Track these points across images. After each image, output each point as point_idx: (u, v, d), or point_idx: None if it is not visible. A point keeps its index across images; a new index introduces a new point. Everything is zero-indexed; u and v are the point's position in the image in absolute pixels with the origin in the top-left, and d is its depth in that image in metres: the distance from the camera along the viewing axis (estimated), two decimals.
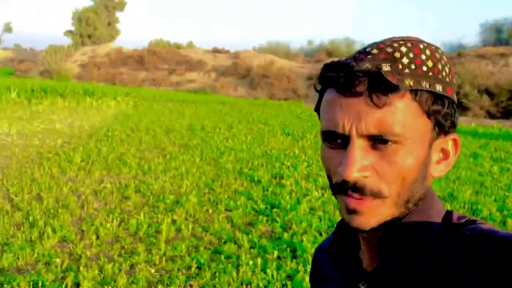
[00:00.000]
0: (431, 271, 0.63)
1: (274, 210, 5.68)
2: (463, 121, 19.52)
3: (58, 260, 4.00)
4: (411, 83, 0.62)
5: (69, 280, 3.54)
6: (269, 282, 3.78)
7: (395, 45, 0.64)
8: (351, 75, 0.62)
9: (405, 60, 0.63)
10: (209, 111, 19.55)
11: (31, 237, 4.49)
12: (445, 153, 0.69)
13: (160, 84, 35.71)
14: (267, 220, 5.37)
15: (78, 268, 3.87)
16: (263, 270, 3.97)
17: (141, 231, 4.82)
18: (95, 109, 18.25)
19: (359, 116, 0.62)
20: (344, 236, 0.78)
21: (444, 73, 0.65)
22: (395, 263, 0.67)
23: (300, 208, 5.69)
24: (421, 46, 0.65)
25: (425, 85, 0.63)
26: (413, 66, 0.63)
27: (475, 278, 0.57)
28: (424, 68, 0.64)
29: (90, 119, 14.88)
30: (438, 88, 0.64)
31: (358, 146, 0.63)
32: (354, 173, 0.62)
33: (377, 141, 0.62)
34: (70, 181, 6.71)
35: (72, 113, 16.21)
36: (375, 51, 0.64)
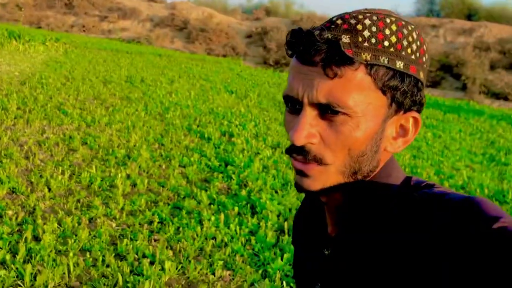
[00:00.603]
0: (387, 236, 0.65)
1: (229, 167, 5.71)
2: None
3: (10, 212, 3.80)
4: (368, 57, 0.61)
5: (28, 234, 3.38)
6: (232, 237, 3.85)
7: (360, 17, 0.63)
8: (311, 44, 0.62)
9: (366, 33, 0.62)
10: (146, 63, 18.89)
11: None
12: (404, 129, 0.69)
13: (90, 31, 33.82)
14: (222, 177, 5.39)
15: (34, 221, 3.70)
16: (226, 226, 4.02)
17: (95, 185, 4.66)
18: (22, 53, 16.98)
19: (311, 84, 0.63)
20: (311, 202, 0.80)
21: (409, 50, 0.64)
22: (355, 229, 0.70)
23: (254, 166, 5.76)
24: (388, 20, 0.64)
25: (383, 60, 0.62)
26: (373, 40, 0.62)
27: (426, 242, 0.59)
28: (386, 43, 0.62)
29: (18, 64, 13.85)
30: (399, 64, 0.63)
31: (309, 113, 0.64)
32: (301, 139, 0.64)
33: (327, 111, 0.63)
34: (8, 130, 6.29)
35: None
36: (339, 21, 0.64)
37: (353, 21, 0.63)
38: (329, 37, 0.61)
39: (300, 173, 0.67)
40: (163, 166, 5.60)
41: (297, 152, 0.66)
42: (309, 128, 0.64)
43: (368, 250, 0.66)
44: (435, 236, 0.58)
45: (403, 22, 0.65)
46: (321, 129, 0.64)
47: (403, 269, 0.61)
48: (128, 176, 5.03)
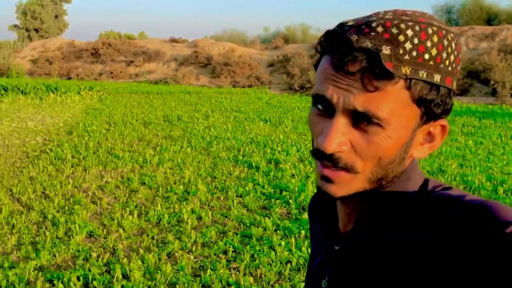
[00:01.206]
0: (399, 234, 0.65)
1: (284, 193, 5.88)
2: None
3: (94, 254, 4.04)
4: (408, 71, 0.60)
5: (118, 273, 3.60)
6: (305, 260, 3.98)
7: (402, 26, 0.60)
8: (348, 51, 0.60)
9: (407, 46, 0.60)
10: (178, 101, 19.43)
11: (57, 235, 4.48)
12: (431, 136, 0.68)
13: (118, 77, 34.94)
14: (280, 203, 5.55)
15: (118, 260, 3.93)
16: (298, 249, 4.16)
17: (164, 221, 4.89)
18: (60, 104, 17.75)
19: (349, 93, 0.61)
20: (324, 197, 0.78)
21: (447, 62, 0.62)
22: (368, 228, 0.70)
23: (308, 190, 5.91)
24: (430, 31, 0.61)
25: (422, 74, 0.60)
26: (414, 53, 0.60)
27: (437, 238, 0.60)
28: (426, 56, 0.60)
29: (59, 115, 14.50)
30: (436, 78, 0.62)
31: (342, 121, 0.63)
32: (332, 147, 0.63)
33: (361, 120, 0.62)
34: (70, 178, 6.64)
35: (38, 110, 15.71)
36: (380, 29, 0.60)
37: (395, 31, 0.60)
38: (369, 46, 0.59)
39: (326, 179, 0.66)
40: (221, 198, 5.80)
41: (327, 159, 0.65)
42: (341, 137, 0.63)
43: (379, 249, 0.67)
44: (446, 233, 0.59)
45: (444, 32, 0.63)
46: (353, 137, 0.63)
47: (412, 266, 0.61)
48: (193, 211, 5.24)
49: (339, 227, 0.76)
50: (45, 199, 5.66)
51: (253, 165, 7.49)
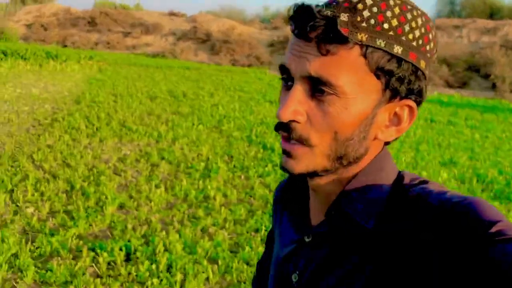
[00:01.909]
0: (377, 230, 0.64)
1: None
2: None
3: (130, 226, 4.09)
4: (364, 38, 0.59)
5: (160, 245, 3.67)
6: None
7: None
8: (309, 19, 0.61)
9: (365, 13, 0.60)
10: (178, 76, 19.32)
11: (88, 205, 4.52)
12: (398, 118, 0.66)
13: (115, 47, 34.55)
14: None
15: (155, 232, 3.99)
16: None
17: (191, 197, 4.95)
18: (60, 72, 17.56)
19: (305, 59, 0.62)
20: (296, 185, 0.78)
21: (410, 36, 0.61)
22: (342, 221, 0.67)
23: None
24: (392, 3, 0.61)
25: (380, 43, 0.60)
26: (372, 21, 0.60)
27: (420, 237, 0.58)
28: (385, 26, 0.60)
29: (61, 83, 14.36)
30: (397, 49, 0.60)
31: (299, 89, 0.63)
32: (287, 114, 0.62)
33: (316, 89, 0.62)
34: (88, 149, 6.65)
35: (39, 77, 15.53)
36: None
37: (354, 0, 0.61)
38: (328, 14, 0.60)
39: (286, 153, 0.66)
40: (242, 177, 5.87)
41: (283, 129, 0.65)
42: (297, 105, 0.63)
43: (352, 241, 0.65)
44: (426, 227, 0.58)
45: (409, 7, 0.62)
46: (309, 108, 0.63)
47: (389, 259, 0.61)
48: (218, 188, 5.31)
49: (310, 218, 0.74)
50: (67, 167, 5.67)
51: (268, 146, 7.56)
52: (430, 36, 0.63)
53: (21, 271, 3.25)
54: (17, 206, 4.38)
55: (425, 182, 0.65)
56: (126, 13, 39.94)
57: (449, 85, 21.84)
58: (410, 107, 0.65)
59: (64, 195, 4.76)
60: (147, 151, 6.75)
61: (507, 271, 0.50)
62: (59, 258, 3.49)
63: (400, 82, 0.62)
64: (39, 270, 3.28)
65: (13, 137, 7.01)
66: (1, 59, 17.74)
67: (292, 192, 0.79)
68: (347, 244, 0.66)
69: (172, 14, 39.92)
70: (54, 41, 37.06)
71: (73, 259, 3.49)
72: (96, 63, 20.17)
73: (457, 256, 0.53)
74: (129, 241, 3.79)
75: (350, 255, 0.65)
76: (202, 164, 6.17)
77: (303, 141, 0.63)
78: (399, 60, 0.61)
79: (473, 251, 0.53)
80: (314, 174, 0.66)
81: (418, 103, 0.66)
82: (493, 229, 0.53)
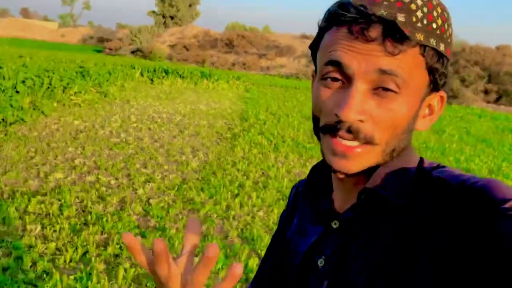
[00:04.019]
0: (403, 216, 0.64)
1: None
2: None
3: None
4: (422, 37, 0.62)
5: None
6: None
7: None
8: (366, 18, 0.62)
9: (419, 14, 0.63)
10: None
11: None
12: (431, 108, 0.70)
13: (250, 68, 36.38)
14: None
15: None
16: None
17: None
18: (214, 91, 19.06)
19: (371, 56, 0.62)
20: (319, 178, 0.79)
21: (448, 34, 0.66)
22: (372, 203, 0.68)
23: None
24: (434, 2, 0.65)
25: (432, 42, 0.63)
26: (425, 21, 0.63)
27: (444, 223, 0.59)
28: (434, 25, 0.64)
29: (221, 101, 15.61)
30: (442, 47, 0.65)
31: (361, 88, 0.63)
32: (352, 114, 0.62)
33: (380, 87, 0.63)
34: (278, 162, 7.26)
35: (198, 94, 17.03)
36: None
37: (406, 0, 0.63)
38: (384, 14, 0.61)
39: (340, 155, 0.65)
40: None
41: (347, 130, 0.64)
42: (360, 104, 0.63)
43: (381, 226, 0.66)
44: (448, 210, 0.59)
45: (443, 6, 0.67)
46: (371, 107, 0.63)
47: (414, 242, 0.61)
48: None
49: (335, 205, 0.75)
50: (269, 178, 6.27)
51: None
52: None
53: None
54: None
55: (443, 166, 0.68)
56: (261, 36, 41.99)
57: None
58: (441, 97, 0.71)
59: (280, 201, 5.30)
60: None
61: None
62: None
63: (441, 77, 0.67)
64: None
65: (209, 148, 7.89)
66: (163, 77, 19.73)
67: (316, 187, 0.80)
68: (376, 227, 0.66)
69: (304, 37, 41.12)
70: (194, 60, 40.12)
71: None
72: (242, 83, 21.52)
73: (468, 230, 0.55)
74: None
75: (378, 241, 0.65)
76: None
77: (368, 141, 0.64)
78: (443, 57, 0.66)
79: (483, 225, 0.54)
80: (364, 171, 0.67)
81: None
82: (506, 205, 0.54)
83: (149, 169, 6.21)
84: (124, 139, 7.92)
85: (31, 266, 3.34)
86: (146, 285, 3.25)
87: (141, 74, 19.84)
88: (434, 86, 0.67)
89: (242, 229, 4.42)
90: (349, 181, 0.70)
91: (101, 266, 3.43)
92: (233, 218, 4.68)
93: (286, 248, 0.83)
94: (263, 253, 3.88)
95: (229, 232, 4.32)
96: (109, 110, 11.01)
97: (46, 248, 3.62)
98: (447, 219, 0.58)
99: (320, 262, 0.72)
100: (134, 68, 20.19)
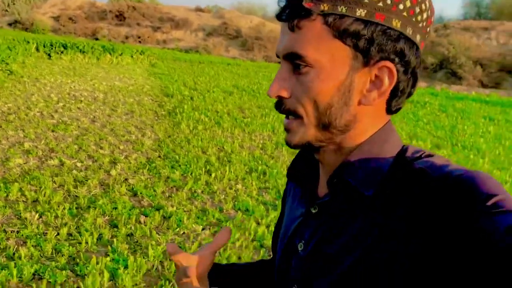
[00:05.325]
0: (378, 205, 0.64)
1: None
2: (461, 90, 21.38)
3: None
4: (326, 7, 0.62)
5: None
6: None
7: None
8: (284, 1, 0.66)
9: None
10: (230, 72, 20.13)
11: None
12: (380, 81, 0.65)
13: (145, 41, 35.34)
14: None
15: None
16: None
17: None
18: (119, 66, 18.37)
19: (283, 39, 0.66)
20: (307, 162, 0.79)
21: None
22: (343, 193, 0.68)
23: None
24: None
25: (341, 9, 0.61)
26: None
27: (421, 219, 0.58)
28: None
29: (133, 77, 15.17)
30: (359, 12, 0.61)
31: (283, 67, 0.67)
32: (273, 91, 0.67)
33: (295, 64, 0.65)
34: (229, 138, 7.49)
35: (105, 71, 16.33)
36: None
37: None
38: None
39: (286, 129, 0.70)
40: None
41: (276, 105, 0.69)
42: (282, 83, 0.67)
43: (354, 211, 0.66)
44: (426, 200, 0.58)
45: None
46: (292, 83, 0.66)
47: (387, 230, 0.61)
48: None
49: (318, 190, 0.76)
50: (243, 151, 6.51)
51: None
52: (409, 2, 0.63)
53: None
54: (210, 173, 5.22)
55: (429, 155, 0.65)
56: (154, 8, 40.71)
57: (483, 85, 22.72)
58: (388, 68, 0.64)
59: (247, 173, 5.60)
60: (277, 141, 7.58)
61: (497, 242, 0.49)
62: None
63: (369, 44, 0.62)
64: None
65: (153, 127, 7.85)
66: (62, 52, 18.52)
67: (304, 168, 0.80)
68: (349, 212, 0.66)
69: (199, 9, 40.72)
70: (83, 33, 37.81)
71: None
72: (147, 57, 20.98)
73: (451, 227, 0.54)
74: None
75: (353, 222, 0.65)
76: None
77: (292, 114, 0.67)
78: (365, 22, 0.61)
79: (467, 222, 0.53)
80: (310, 145, 0.69)
81: (405, 65, 0.65)
82: (490, 202, 0.53)
83: (107, 150, 6.09)
84: (60, 120, 7.55)
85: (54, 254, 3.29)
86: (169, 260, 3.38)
87: (37, 49, 18.40)
88: (364, 55, 0.63)
89: (234, 202, 4.66)
90: (327, 164, 0.71)
91: (125, 246, 3.48)
92: (218, 192, 4.88)
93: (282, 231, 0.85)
94: (263, 221, 4.20)
95: (223, 206, 4.53)
96: (23, 89, 10.24)
97: (58, 234, 3.56)
98: (425, 215, 0.57)
99: (300, 246, 0.73)
100: (28, 42, 18.59)
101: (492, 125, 11.91)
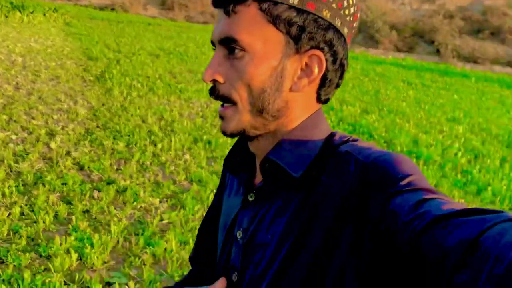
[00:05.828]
0: (305, 187, 0.66)
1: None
2: (378, 54, 22.42)
3: None
4: None
5: None
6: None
7: None
8: None
9: None
10: (152, 33, 19.46)
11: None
12: (309, 69, 0.67)
13: None
14: None
15: None
16: None
17: None
18: (31, 25, 17.03)
19: (218, 25, 0.67)
20: (243, 151, 0.79)
21: None
22: (273, 176, 0.70)
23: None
24: None
25: None
26: None
27: (345, 195, 0.61)
28: None
29: (49, 37, 14.18)
30: (293, 0, 0.63)
31: (218, 53, 0.68)
32: (208, 76, 0.68)
33: (230, 49, 0.66)
34: (172, 106, 7.35)
35: (16, 30, 15.08)
36: None
37: None
38: None
39: (220, 117, 0.71)
40: None
41: (210, 91, 0.69)
42: (217, 67, 0.67)
43: (286, 196, 0.68)
44: (350, 189, 0.60)
45: None
46: (226, 68, 0.67)
47: (316, 213, 0.63)
48: None
49: (256, 178, 0.77)
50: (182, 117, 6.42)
51: None
52: None
53: None
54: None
55: (354, 140, 0.69)
56: None
57: (398, 50, 23.99)
58: (317, 57, 0.66)
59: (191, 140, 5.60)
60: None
61: (402, 218, 0.52)
62: None
63: (300, 32, 0.64)
64: None
65: (83, 93, 7.50)
66: None
67: (241, 158, 0.80)
68: (282, 196, 0.68)
69: None
70: None
71: None
72: (61, 15, 19.63)
73: (367, 206, 0.57)
74: None
75: (288, 206, 0.67)
76: None
77: (226, 100, 0.68)
78: (298, 10, 0.63)
79: (380, 202, 0.56)
80: (245, 133, 0.70)
81: (333, 55, 0.67)
82: (404, 181, 0.56)
83: (40, 120, 5.76)
84: None
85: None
86: (135, 235, 3.37)
87: None
88: (297, 43, 0.65)
89: (186, 173, 4.65)
90: (261, 153, 0.73)
91: (85, 224, 3.40)
92: (168, 164, 4.84)
93: (220, 222, 0.85)
94: None
95: (175, 177, 4.52)
96: None
97: (9, 214, 3.39)
98: (349, 195, 0.60)
99: (239, 234, 0.74)
100: None
101: (410, 89, 12.70)
